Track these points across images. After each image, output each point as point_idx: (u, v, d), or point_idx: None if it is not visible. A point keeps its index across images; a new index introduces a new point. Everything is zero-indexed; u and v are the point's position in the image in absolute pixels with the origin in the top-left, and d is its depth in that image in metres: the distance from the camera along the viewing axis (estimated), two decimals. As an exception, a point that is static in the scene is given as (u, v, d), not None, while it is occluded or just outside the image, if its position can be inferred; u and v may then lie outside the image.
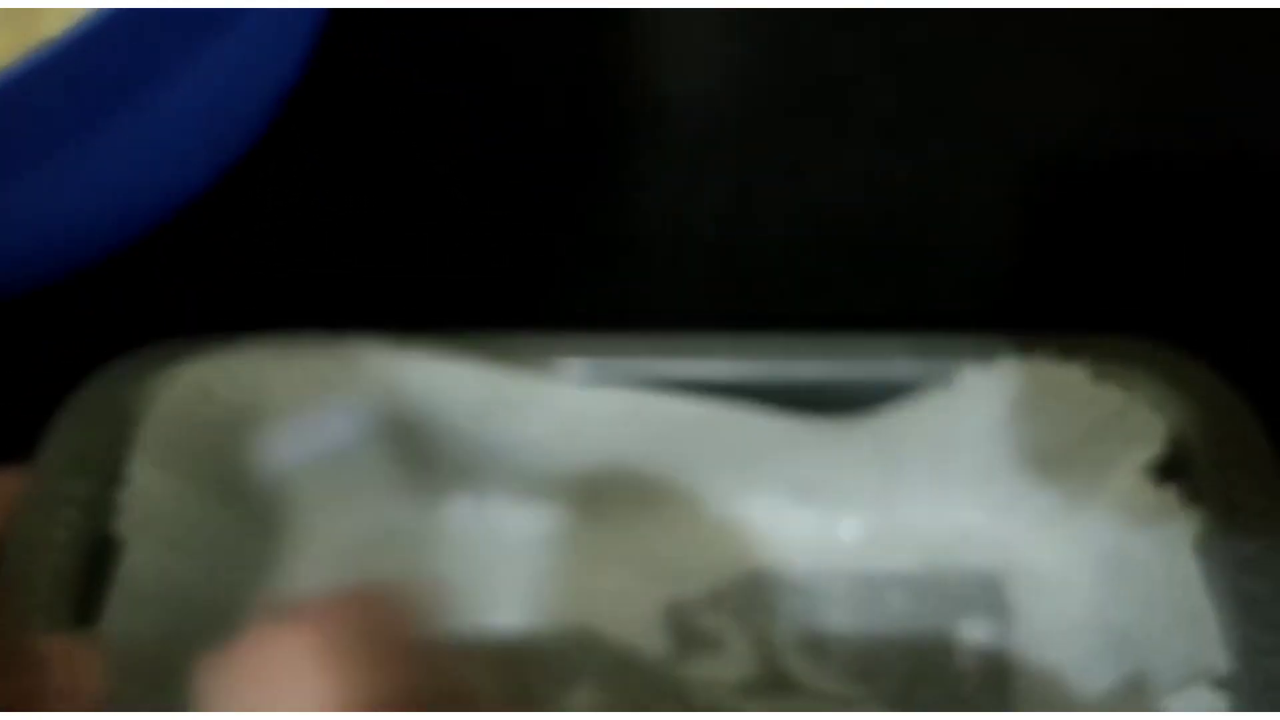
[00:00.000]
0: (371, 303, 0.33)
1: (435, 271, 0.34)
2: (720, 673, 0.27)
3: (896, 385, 0.28)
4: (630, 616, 0.28)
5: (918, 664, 0.27)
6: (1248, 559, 0.25)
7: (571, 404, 0.27)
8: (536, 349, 0.28)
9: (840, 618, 0.28)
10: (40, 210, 0.29)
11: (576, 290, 0.34)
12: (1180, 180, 0.35)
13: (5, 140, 0.26)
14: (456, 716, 0.26)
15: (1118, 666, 0.26)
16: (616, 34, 0.39)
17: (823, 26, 0.39)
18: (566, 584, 0.28)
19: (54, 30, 0.27)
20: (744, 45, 0.39)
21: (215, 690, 0.20)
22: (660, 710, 0.27)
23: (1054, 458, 0.27)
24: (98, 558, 0.25)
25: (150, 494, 0.26)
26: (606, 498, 0.29)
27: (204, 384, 0.27)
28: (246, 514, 0.28)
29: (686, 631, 0.28)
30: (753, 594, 0.28)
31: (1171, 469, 0.26)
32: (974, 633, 0.28)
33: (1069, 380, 0.27)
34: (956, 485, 0.28)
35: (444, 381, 0.27)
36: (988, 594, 0.28)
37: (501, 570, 0.28)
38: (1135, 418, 0.27)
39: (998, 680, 0.27)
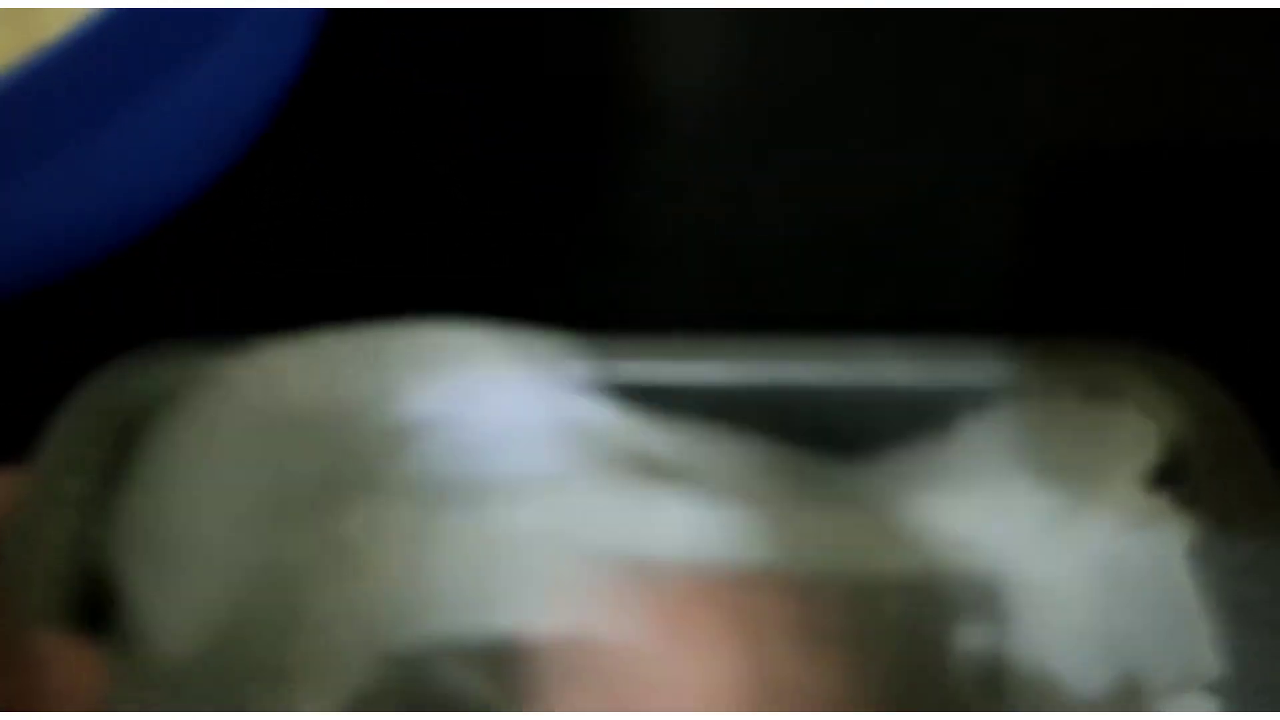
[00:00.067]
0: (371, 302, 0.33)
1: (435, 271, 0.34)
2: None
3: (894, 389, 0.28)
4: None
5: (914, 669, 0.27)
6: (1242, 563, 0.25)
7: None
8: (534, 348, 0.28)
9: (836, 621, 0.28)
10: (40, 210, 0.29)
11: (576, 290, 0.34)
12: (1180, 183, 0.35)
13: (6, 140, 0.26)
14: (457, 716, 0.27)
15: (1112, 671, 0.26)
16: (616, 34, 0.39)
17: (822, 26, 0.39)
18: (560, 585, 0.28)
19: (54, 30, 0.27)
20: (744, 45, 0.39)
21: (627, 648, 0.20)
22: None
23: (1050, 463, 0.27)
24: (97, 557, 0.25)
25: (153, 507, 0.26)
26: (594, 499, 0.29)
27: (208, 383, 0.27)
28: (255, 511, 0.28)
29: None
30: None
31: (1166, 474, 0.26)
32: (970, 638, 0.28)
33: (1065, 387, 0.27)
34: (954, 490, 0.28)
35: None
36: (984, 599, 0.28)
37: (502, 570, 0.28)
38: (1130, 423, 0.27)
39: (994, 685, 0.27)
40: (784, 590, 0.22)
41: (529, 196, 0.36)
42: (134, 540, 0.26)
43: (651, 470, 0.28)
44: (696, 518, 0.27)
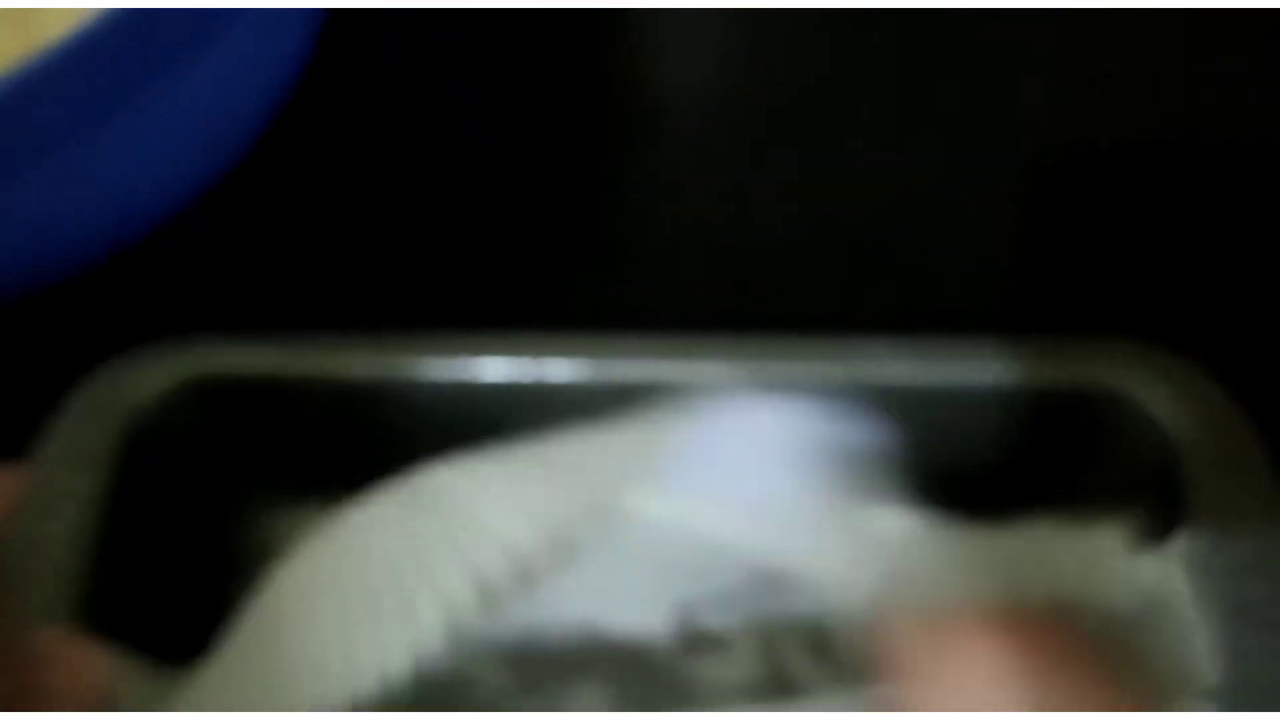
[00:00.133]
0: (370, 302, 0.33)
1: (434, 271, 0.34)
2: (725, 673, 0.27)
3: (892, 388, 0.28)
4: (638, 613, 0.28)
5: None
6: (1239, 563, 0.25)
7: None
8: (534, 349, 0.28)
9: (846, 621, 0.28)
10: (41, 210, 0.29)
11: (575, 289, 0.34)
12: (1179, 183, 0.35)
13: (8, 141, 0.27)
14: (456, 716, 0.27)
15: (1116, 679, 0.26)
16: (615, 34, 0.39)
17: (820, 26, 0.39)
18: (575, 581, 0.28)
19: (54, 31, 0.27)
20: (743, 45, 0.39)
21: (912, 670, 0.20)
22: (665, 708, 0.27)
23: (1048, 464, 0.28)
24: (99, 554, 0.26)
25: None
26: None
27: (206, 382, 0.27)
28: None
29: (693, 631, 0.28)
30: (761, 595, 0.28)
31: (1164, 473, 0.26)
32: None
33: (1062, 386, 0.27)
34: (952, 491, 0.28)
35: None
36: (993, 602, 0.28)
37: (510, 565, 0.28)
38: (1128, 422, 0.27)
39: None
40: (1044, 619, 0.22)
41: (528, 196, 0.36)
42: None
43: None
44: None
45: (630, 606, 0.28)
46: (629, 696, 0.27)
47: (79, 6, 0.29)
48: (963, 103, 0.37)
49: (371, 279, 0.34)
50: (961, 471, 0.28)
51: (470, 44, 0.39)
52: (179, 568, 0.27)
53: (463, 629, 0.27)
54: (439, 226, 0.35)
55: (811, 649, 0.28)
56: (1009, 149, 0.36)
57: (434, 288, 0.34)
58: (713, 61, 0.39)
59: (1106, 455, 0.28)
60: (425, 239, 0.35)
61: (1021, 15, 0.39)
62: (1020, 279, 0.34)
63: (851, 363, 0.28)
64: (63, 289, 0.32)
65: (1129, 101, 0.37)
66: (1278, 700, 0.23)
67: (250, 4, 0.30)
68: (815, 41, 0.39)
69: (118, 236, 0.32)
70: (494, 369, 0.28)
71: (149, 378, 0.27)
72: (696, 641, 0.28)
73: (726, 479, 0.27)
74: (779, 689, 0.27)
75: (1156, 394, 0.27)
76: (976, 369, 0.28)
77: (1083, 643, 0.22)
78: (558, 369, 0.28)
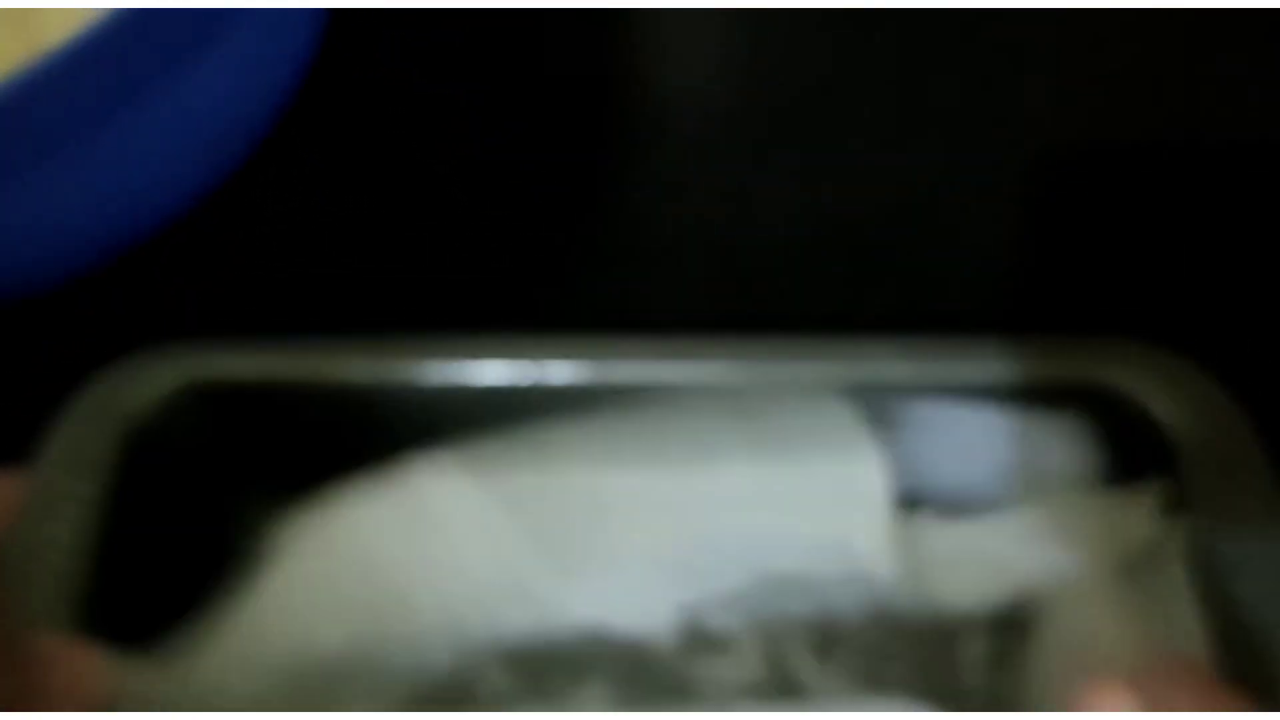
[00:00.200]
0: (373, 303, 0.33)
1: (435, 271, 0.34)
2: (728, 673, 0.27)
3: (891, 387, 0.28)
4: (642, 615, 0.28)
5: (924, 671, 0.27)
6: (1236, 561, 0.25)
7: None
8: (533, 352, 0.28)
9: (850, 623, 0.28)
10: (44, 213, 0.29)
11: (576, 289, 0.34)
12: (1180, 182, 0.35)
13: (10, 144, 0.27)
14: (456, 716, 0.27)
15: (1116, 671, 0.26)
16: (616, 34, 0.39)
17: (822, 26, 0.39)
18: (579, 581, 0.28)
19: (55, 33, 0.27)
20: (744, 45, 0.39)
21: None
22: (668, 709, 0.27)
23: (1050, 465, 0.28)
24: (99, 558, 0.26)
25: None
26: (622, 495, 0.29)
27: (206, 386, 0.27)
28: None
29: (697, 632, 0.28)
30: (765, 597, 0.28)
31: (1163, 471, 0.26)
32: (979, 641, 0.28)
33: (1062, 385, 0.27)
34: (957, 494, 0.28)
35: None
36: (992, 601, 0.28)
37: (516, 567, 0.29)
38: (1128, 421, 0.27)
39: (1003, 687, 0.27)
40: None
41: (529, 196, 0.36)
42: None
43: None
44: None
45: (634, 607, 0.28)
46: (632, 697, 0.27)
47: (79, 7, 0.29)
48: (964, 102, 0.37)
49: (373, 280, 0.34)
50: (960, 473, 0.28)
51: (472, 44, 0.39)
52: (179, 571, 0.27)
53: (464, 629, 0.28)
54: (441, 227, 0.35)
55: (814, 650, 0.28)
56: (1011, 149, 0.36)
57: (436, 288, 0.34)
58: (715, 61, 0.39)
59: (1107, 454, 0.28)
60: (427, 239, 0.35)
61: (1023, 15, 0.38)
62: (1022, 278, 0.34)
63: (853, 363, 0.28)
64: (64, 292, 0.32)
65: (1131, 101, 0.37)
66: (1273, 701, 0.23)
67: (253, 4, 0.30)
68: (817, 41, 0.39)
69: (119, 239, 0.32)
70: (493, 372, 0.28)
71: (149, 382, 0.27)
72: (700, 643, 0.28)
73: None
74: (782, 690, 0.27)
75: (1157, 393, 0.27)
76: (978, 368, 0.28)
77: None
78: (557, 371, 0.28)
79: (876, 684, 0.27)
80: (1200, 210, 0.35)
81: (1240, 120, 0.36)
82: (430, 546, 0.28)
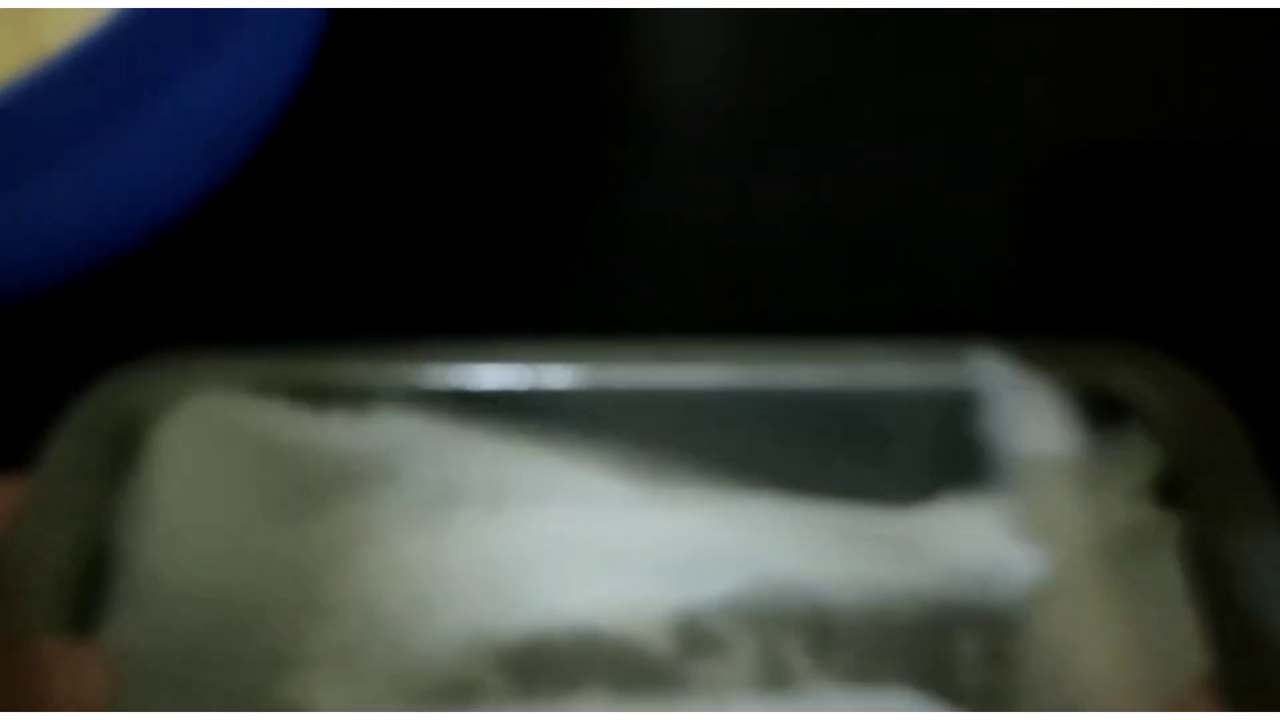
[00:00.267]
0: (372, 305, 0.33)
1: (435, 272, 0.34)
2: (725, 676, 0.27)
3: (890, 392, 0.28)
4: (638, 617, 0.28)
5: (922, 671, 0.27)
6: (1230, 563, 0.25)
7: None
8: (533, 356, 0.28)
9: (847, 626, 0.28)
10: (45, 217, 0.29)
11: (577, 288, 0.34)
12: (1180, 184, 0.35)
13: (13, 147, 0.27)
14: (456, 716, 0.27)
15: (1109, 670, 0.26)
16: (616, 34, 0.39)
17: (822, 26, 0.39)
18: (576, 584, 0.28)
19: (56, 36, 0.27)
20: (744, 45, 0.39)
21: None
22: (665, 709, 0.27)
23: (1045, 464, 0.28)
24: (99, 563, 0.26)
25: (164, 500, 0.26)
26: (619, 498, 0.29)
27: (220, 392, 0.27)
28: (267, 519, 0.28)
29: (694, 634, 0.28)
30: (761, 599, 0.28)
31: (1157, 474, 0.26)
32: (974, 638, 0.28)
33: (1058, 387, 0.27)
34: (958, 493, 0.28)
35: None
36: (989, 602, 0.28)
37: (511, 569, 0.29)
38: (1123, 424, 0.27)
39: (1000, 690, 0.27)
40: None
41: (529, 197, 0.36)
42: (144, 530, 0.26)
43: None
44: None
45: (630, 611, 0.28)
46: (628, 699, 0.27)
47: (79, 7, 0.29)
48: (964, 102, 0.37)
49: (373, 280, 0.34)
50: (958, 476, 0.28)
51: (472, 44, 0.39)
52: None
53: (459, 630, 0.28)
54: (440, 227, 0.35)
55: (810, 650, 0.28)
56: (1011, 149, 0.36)
57: (436, 288, 0.34)
58: (714, 62, 0.39)
59: (1100, 454, 0.28)
60: (427, 240, 0.35)
61: (1023, 15, 0.38)
62: (1022, 280, 0.34)
63: (853, 365, 0.28)
64: (65, 296, 0.32)
65: (1131, 102, 0.37)
66: (1269, 700, 0.23)
67: (255, 4, 0.30)
68: (817, 41, 0.39)
69: (121, 243, 0.32)
70: (492, 376, 0.28)
71: (150, 387, 0.27)
72: (696, 644, 0.28)
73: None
74: (778, 690, 0.27)
75: (1153, 398, 0.27)
76: (977, 371, 0.28)
77: None
78: (556, 376, 0.28)
79: (872, 682, 0.27)
80: (1201, 213, 0.35)
81: (1241, 121, 0.36)
82: (424, 547, 0.29)
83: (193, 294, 0.34)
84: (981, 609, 0.28)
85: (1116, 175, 0.35)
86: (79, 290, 0.32)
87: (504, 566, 0.29)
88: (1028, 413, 0.27)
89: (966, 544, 0.28)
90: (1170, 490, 0.26)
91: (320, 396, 0.28)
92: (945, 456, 0.28)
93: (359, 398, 0.28)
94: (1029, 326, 0.33)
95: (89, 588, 0.25)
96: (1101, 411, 0.27)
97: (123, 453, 0.27)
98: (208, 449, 0.27)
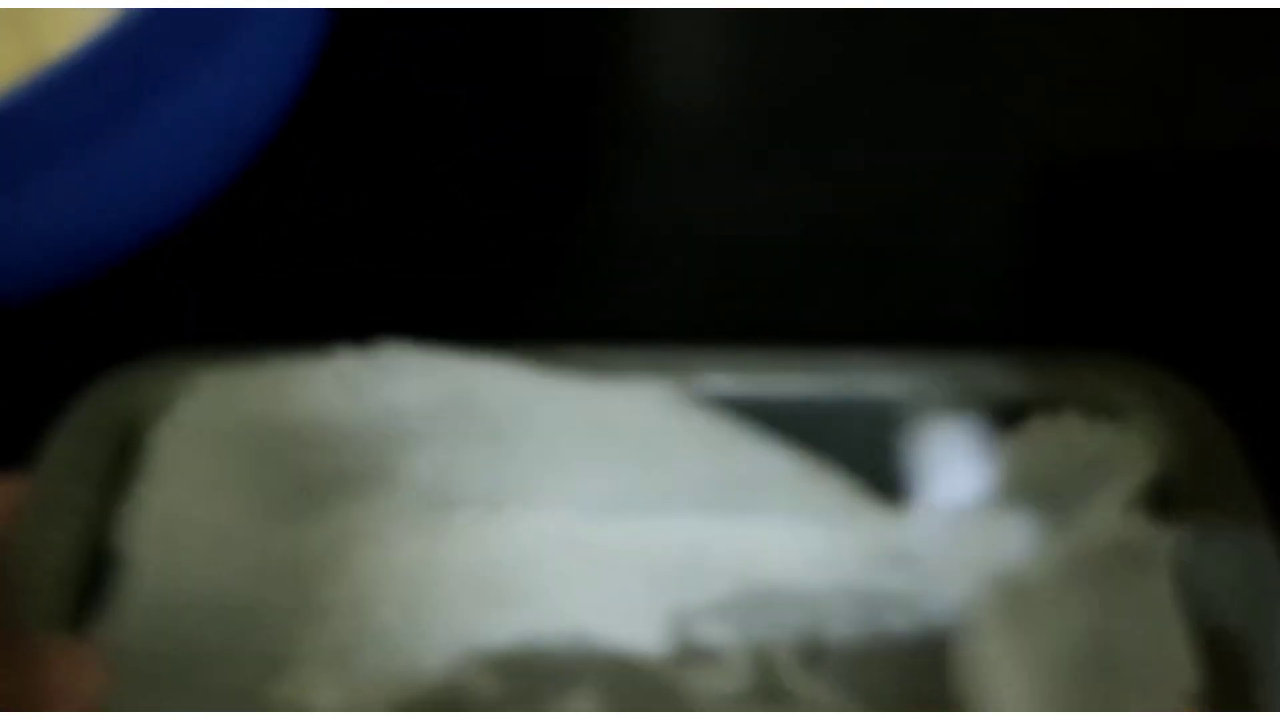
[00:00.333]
0: (373, 306, 0.33)
1: (436, 272, 0.34)
2: (717, 683, 0.27)
3: (888, 401, 0.28)
4: (632, 624, 0.28)
5: (913, 681, 0.27)
6: (1221, 579, 0.25)
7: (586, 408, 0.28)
8: (532, 359, 0.28)
9: (839, 633, 0.28)
10: (49, 218, 0.29)
11: (577, 288, 0.34)
12: (1179, 191, 0.35)
13: (16, 149, 0.27)
14: (457, 717, 0.27)
15: (1097, 681, 0.26)
16: (615, 34, 0.39)
17: (822, 26, 0.39)
18: (570, 588, 0.28)
19: (55, 35, 0.27)
20: (743, 46, 0.39)
21: None
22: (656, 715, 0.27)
23: (1038, 478, 0.28)
24: (98, 562, 0.26)
25: (161, 501, 0.26)
26: (612, 505, 0.29)
27: (218, 391, 0.27)
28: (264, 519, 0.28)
29: (687, 641, 0.28)
30: (754, 607, 0.28)
31: (1151, 488, 0.26)
32: (966, 649, 0.28)
33: (1054, 400, 0.27)
34: (949, 505, 0.28)
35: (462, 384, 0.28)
36: (981, 612, 0.28)
37: (505, 572, 0.29)
38: (1118, 438, 0.27)
39: (989, 696, 0.27)
40: None
41: (528, 197, 0.36)
42: (143, 530, 0.26)
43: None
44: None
45: (623, 618, 0.28)
46: (619, 706, 0.27)
47: (78, 8, 0.29)
48: (965, 102, 0.37)
49: (373, 280, 0.34)
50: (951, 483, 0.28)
51: (472, 44, 0.39)
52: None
53: (453, 635, 0.28)
54: (441, 227, 0.35)
55: (802, 660, 0.28)
56: (1011, 150, 0.36)
57: (436, 289, 0.34)
58: (714, 62, 0.39)
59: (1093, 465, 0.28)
60: (428, 241, 0.35)
61: (1024, 16, 0.38)
62: (1021, 280, 0.34)
63: (847, 376, 0.28)
64: (65, 297, 0.32)
65: (1131, 102, 0.37)
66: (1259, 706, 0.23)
67: (258, 4, 0.30)
68: (817, 42, 0.39)
69: (123, 244, 0.32)
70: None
71: (150, 387, 0.27)
72: (689, 653, 0.28)
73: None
74: (770, 701, 0.27)
75: (1148, 410, 0.27)
76: (973, 380, 0.28)
77: None
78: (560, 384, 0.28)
79: (865, 693, 0.27)
80: (1194, 221, 0.34)
81: (1241, 125, 0.36)
82: (420, 548, 0.29)
83: (193, 294, 0.34)
84: (973, 614, 0.28)
85: (1115, 178, 0.35)
86: (79, 291, 0.32)
87: (499, 570, 0.29)
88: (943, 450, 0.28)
89: (959, 556, 0.28)
90: (1164, 501, 0.26)
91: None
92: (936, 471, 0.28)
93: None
94: (1027, 328, 0.33)
95: (87, 587, 0.25)
96: (1097, 423, 0.27)
97: (123, 453, 0.27)
98: (206, 449, 0.27)
